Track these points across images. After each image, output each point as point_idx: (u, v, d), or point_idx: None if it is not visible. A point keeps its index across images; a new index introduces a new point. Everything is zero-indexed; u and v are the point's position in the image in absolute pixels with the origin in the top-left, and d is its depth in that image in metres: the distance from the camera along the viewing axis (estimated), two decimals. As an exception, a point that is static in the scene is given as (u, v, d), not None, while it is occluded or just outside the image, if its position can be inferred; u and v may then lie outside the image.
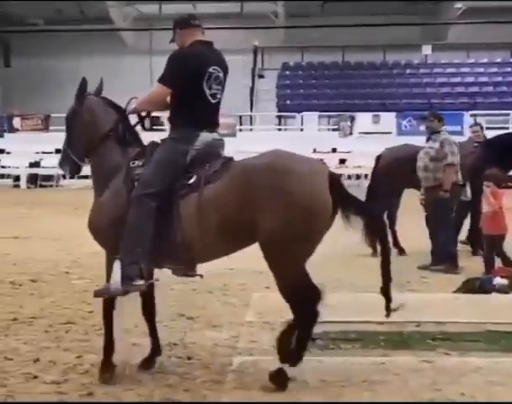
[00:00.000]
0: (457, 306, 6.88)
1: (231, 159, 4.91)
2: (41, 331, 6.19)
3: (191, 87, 4.90)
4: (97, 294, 4.94)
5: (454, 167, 9.07)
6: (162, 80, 5.03)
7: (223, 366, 5.20)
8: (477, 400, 4.42)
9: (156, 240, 4.75)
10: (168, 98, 5.05)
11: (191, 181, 4.76)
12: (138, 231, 4.70)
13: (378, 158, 10.88)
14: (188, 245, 4.74)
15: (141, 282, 4.82)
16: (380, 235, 4.82)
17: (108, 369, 4.96)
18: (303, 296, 4.68)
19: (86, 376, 5.03)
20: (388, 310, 4.67)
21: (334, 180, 4.62)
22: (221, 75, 5.02)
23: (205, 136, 4.94)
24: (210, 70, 4.95)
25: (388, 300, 4.68)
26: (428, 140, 9.61)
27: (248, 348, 5.67)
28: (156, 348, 5.30)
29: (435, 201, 9.01)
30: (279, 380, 4.63)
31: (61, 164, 5.38)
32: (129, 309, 7.03)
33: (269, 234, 4.50)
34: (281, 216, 4.45)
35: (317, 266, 9.02)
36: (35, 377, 5.01)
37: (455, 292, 7.56)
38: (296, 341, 4.71)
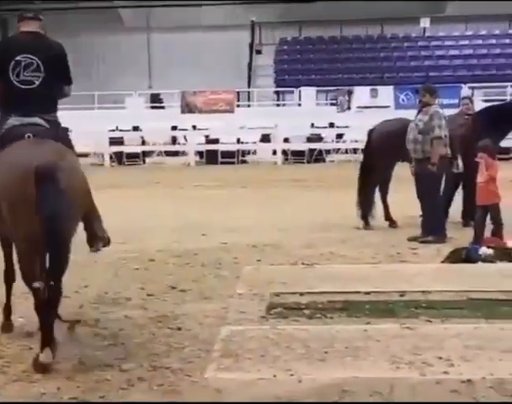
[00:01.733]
0: (443, 276, 7.04)
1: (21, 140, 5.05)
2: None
3: None
4: None
5: (441, 140, 9.17)
6: None
7: (212, 336, 5.36)
8: (452, 362, 4.58)
9: None
10: None
11: None
12: None
13: (370, 132, 10.99)
14: None
15: None
16: None
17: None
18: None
19: (77, 347, 5.18)
20: None
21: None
22: (36, 61, 5.24)
23: (13, 120, 5.20)
24: (18, 58, 5.22)
25: None
26: (418, 113, 9.70)
27: (237, 319, 5.83)
28: None
29: (424, 174, 9.12)
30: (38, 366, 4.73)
31: None
32: (122, 281, 7.21)
33: None
34: None
35: (314, 240, 9.31)
36: (30, 349, 5.16)
37: (442, 262, 7.71)
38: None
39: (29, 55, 5.25)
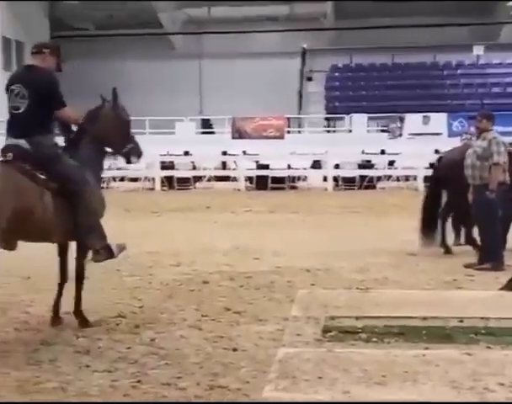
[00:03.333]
0: (501, 303, 6.90)
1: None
2: (94, 324, 6.40)
3: None
4: None
5: (500, 167, 9.03)
6: None
7: (268, 357, 5.34)
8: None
9: None
10: None
11: None
12: None
13: (439, 160, 10.98)
14: None
15: None
16: None
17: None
18: None
19: (135, 366, 5.22)
20: None
21: None
22: (24, 91, 6.02)
23: (8, 141, 6.07)
24: (12, 87, 6.10)
25: None
26: (477, 139, 9.63)
27: (293, 341, 5.80)
28: None
29: (482, 200, 8.99)
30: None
31: None
32: (177, 302, 7.28)
33: None
34: None
35: (367, 265, 9.24)
36: (88, 366, 5.23)
37: (500, 290, 7.56)
38: None
39: (19, 85, 6.07)
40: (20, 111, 6.03)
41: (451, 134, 26.68)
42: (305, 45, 34.54)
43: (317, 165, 26.50)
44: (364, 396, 4.46)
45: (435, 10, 32.96)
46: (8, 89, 6.13)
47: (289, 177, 25.63)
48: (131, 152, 6.69)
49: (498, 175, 9.00)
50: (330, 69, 34.93)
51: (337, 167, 25.99)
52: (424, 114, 28.78)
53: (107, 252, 6.22)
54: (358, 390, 4.55)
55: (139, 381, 4.90)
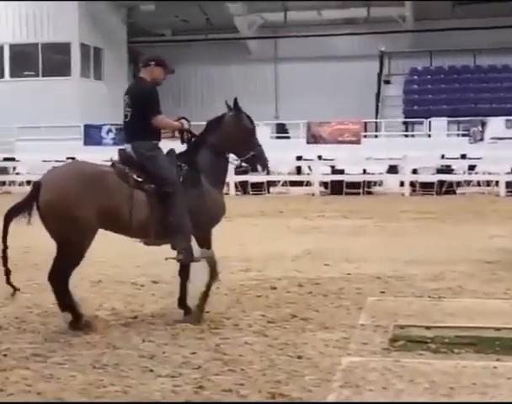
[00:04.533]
0: None
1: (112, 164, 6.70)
2: (160, 329, 6.43)
3: None
4: None
5: None
6: None
7: (332, 365, 5.24)
8: None
9: None
10: None
11: None
12: None
13: None
14: None
15: None
16: None
17: None
18: None
19: (198, 371, 5.20)
20: None
21: None
22: (130, 101, 6.75)
23: (122, 146, 6.85)
24: (124, 98, 6.84)
25: None
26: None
27: (359, 350, 5.68)
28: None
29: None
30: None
31: None
32: (244, 308, 7.22)
33: None
34: None
35: (441, 273, 8.98)
36: (151, 371, 5.24)
37: None
38: None
39: (127, 96, 6.80)
40: (127, 119, 6.74)
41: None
42: (383, 48, 34.07)
43: (393, 170, 26.08)
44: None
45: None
46: (123, 99, 6.86)
47: (364, 182, 25.31)
48: (255, 160, 7.15)
49: None
50: (409, 72, 34.38)
51: (415, 172, 25.53)
52: (507, 117, 27.95)
53: (187, 255, 6.57)
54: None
55: (201, 387, 4.87)
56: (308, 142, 28.55)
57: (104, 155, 29.13)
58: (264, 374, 5.13)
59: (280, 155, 26.38)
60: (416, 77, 34.41)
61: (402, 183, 25.37)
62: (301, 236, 13.04)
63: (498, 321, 6.35)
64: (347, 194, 24.53)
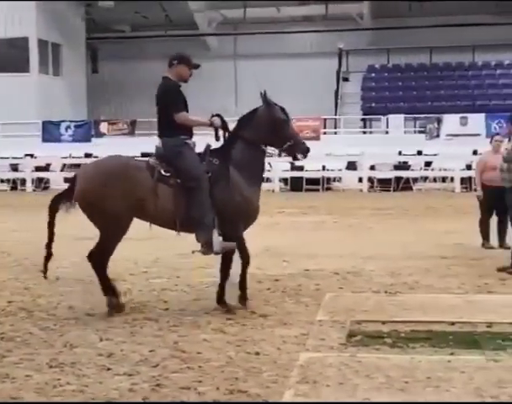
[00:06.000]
0: (533, 308, 6.73)
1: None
2: (118, 327, 6.41)
3: None
4: None
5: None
6: None
7: (290, 361, 5.28)
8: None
9: None
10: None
11: None
12: None
13: None
14: None
15: None
16: None
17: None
18: None
19: (156, 369, 5.19)
20: None
21: None
22: (156, 99, 7.08)
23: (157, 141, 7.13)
24: (156, 96, 7.08)
25: None
26: (508, 141, 9.47)
27: (316, 346, 5.73)
28: None
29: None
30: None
31: None
32: (203, 305, 7.23)
33: None
34: None
35: (398, 268, 9.10)
36: (109, 369, 5.22)
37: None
38: None
39: (156, 94, 7.08)
40: (158, 116, 7.06)
41: (490, 135, 26.21)
42: (341, 46, 34.29)
43: (352, 166, 26.29)
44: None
45: (474, 9, 32.47)
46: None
47: (324, 178, 25.46)
48: (294, 149, 7.24)
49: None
50: (367, 69, 34.66)
51: (372, 168, 25.77)
52: (462, 114, 28.37)
53: (207, 247, 6.82)
54: (379, 397, 4.46)
55: (158, 385, 4.87)
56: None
57: (63, 152, 29.13)
58: (222, 370, 5.15)
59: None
60: (374, 75, 34.73)
61: (360, 180, 25.60)
62: (260, 233, 13.03)
63: (452, 315, 6.46)
64: (307, 190, 24.67)
